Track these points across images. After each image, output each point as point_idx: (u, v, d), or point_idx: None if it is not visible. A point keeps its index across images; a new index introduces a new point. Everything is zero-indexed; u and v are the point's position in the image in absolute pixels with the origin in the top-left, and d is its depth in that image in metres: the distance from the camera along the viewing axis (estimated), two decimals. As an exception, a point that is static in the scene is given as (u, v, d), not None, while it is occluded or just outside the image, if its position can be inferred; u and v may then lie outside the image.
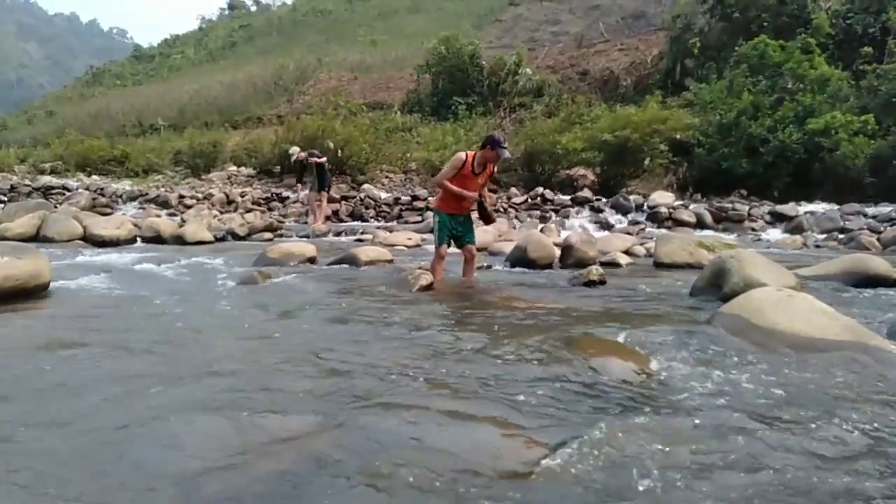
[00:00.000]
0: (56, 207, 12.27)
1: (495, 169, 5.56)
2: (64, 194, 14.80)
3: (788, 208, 12.44)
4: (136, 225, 9.43)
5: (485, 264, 6.53)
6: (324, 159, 12.11)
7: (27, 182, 16.19)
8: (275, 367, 2.74)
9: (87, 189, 15.30)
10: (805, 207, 12.67)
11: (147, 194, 15.33)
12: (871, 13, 18.38)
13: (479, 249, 6.54)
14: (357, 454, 1.85)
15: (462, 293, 4.95)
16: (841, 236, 10.22)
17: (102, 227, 8.78)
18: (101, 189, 15.55)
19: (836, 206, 12.57)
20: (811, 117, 14.85)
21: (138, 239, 8.99)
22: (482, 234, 9.10)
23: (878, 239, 9.38)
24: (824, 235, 10.58)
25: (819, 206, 12.78)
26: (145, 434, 2.02)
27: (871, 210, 12.11)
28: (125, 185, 16.80)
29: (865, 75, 16.41)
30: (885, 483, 1.71)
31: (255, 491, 1.67)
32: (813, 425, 2.09)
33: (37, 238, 8.40)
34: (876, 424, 2.11)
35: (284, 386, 2.47)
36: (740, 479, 1.72)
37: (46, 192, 15.03)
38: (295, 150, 12.58)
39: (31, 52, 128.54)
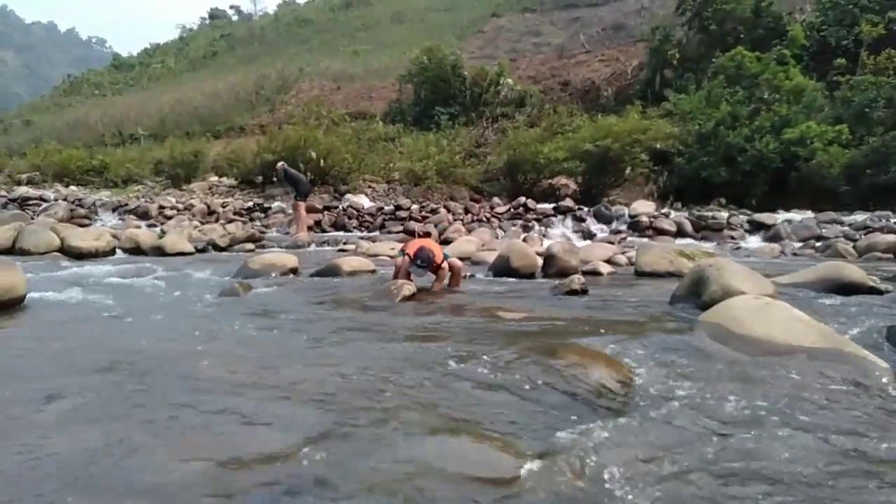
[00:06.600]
0: (33, 219, 12.08)
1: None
2: (41, 205, 14.59)
3: (766, 217, 12.64)
4: (115, 236, 9.30)
5: (468, 273, 6.54)
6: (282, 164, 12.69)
7: (3, 193, 15.93)
8: (256, 381, 2.72)
9: (64, 200, 15.10)
10: (783, 216, 12.87)
11: (127, 205, 15.16)
12: (845, 26, 18.83)
13: (462, 259, 6.56)
14: (340, 468, 1.83)
15: (445, 303, 4.95)
16: (818, 244, 10.39)
17: (80, 238, 8.64)
18: (80, 200, 15.35)
19: (812, 215, 12.79)
20: (787, 127, 15.15)
21: (117, 250, 8.87)
22: (465, 243, 9.15)
23: (854, 246, 9.56)
24: (801, 243, 10.76)
25: (796, 215, 12.99)
26: (121, 452, 1.99)
27: (846, 218, 12.35)
28: (104, 196, 16.59)
29: (839, 86, 16.78)
30: (861, 489, 1.74)
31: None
32: (790, 432, 2.11)
33: (12, 250, 8.24)
34: (851, 431, 2.14)
35: (266, 401, 2.45)
36: (718, 488, 1.73)
37: (23, 203, 14.79)
38: (281, 165, 13.09)
39: (7, 61, 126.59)
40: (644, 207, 13.56)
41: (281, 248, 10.12)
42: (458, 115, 21.72)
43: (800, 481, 1.77)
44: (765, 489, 1.73)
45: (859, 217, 12.29)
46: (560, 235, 12.14)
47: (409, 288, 4.96)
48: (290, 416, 2.27)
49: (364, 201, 15.26)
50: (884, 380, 2.67)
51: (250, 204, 15.41)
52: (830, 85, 17.30)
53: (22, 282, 4.49)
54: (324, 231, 13.55)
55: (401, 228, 12.95)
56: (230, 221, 13.64)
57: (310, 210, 13.38)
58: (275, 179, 13.29)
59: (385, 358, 3.07)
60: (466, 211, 14.17)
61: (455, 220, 13.33)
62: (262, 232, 12.28)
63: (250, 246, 10.21)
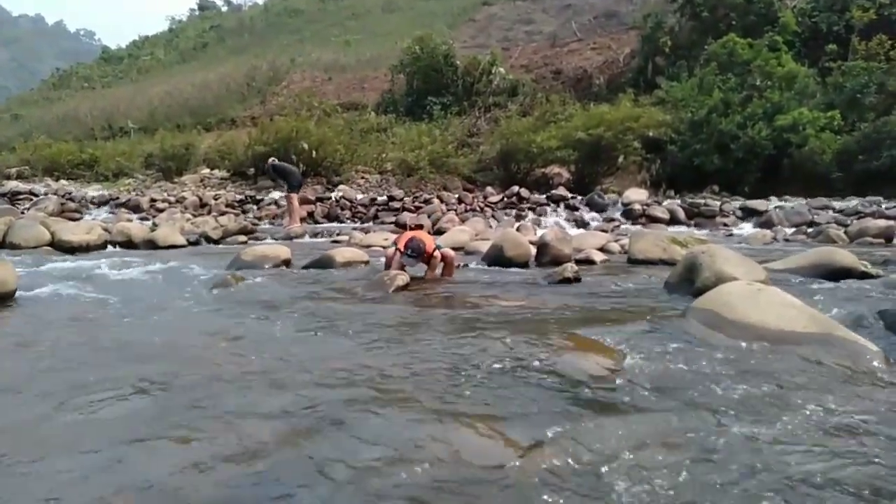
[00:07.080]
0: (23, 213, 11.99)
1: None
2: (31, 200, 14.50)
3: (759, 203, 12.68)
4: (106, 230, 9.24)
5: (462, 263, 6.53)
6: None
7: (-8, 188, 15.80)
8: (250, 371, 2.71)
9: (55, 194, 15.01)
10: (775, 202, 12.91)
11: (118, 198, 15.09)
12: (836, 11, 18.81)
13: (455, 249, 6.56)
14: (337, 456, 1.83)
15: (438, 293, 4.95)
16: (809, 230, 10.45)
17: (71, 232, 8.58)
18: (70, 194, 15.26)
19: (804, 201, 12.85)
20: (779, 114, 15.16)
21: (109, 244, 8.82)
22: (459, 233, 9.14)
23: (846, 232, 9.62)
24: (794, 229, 10.80)
25: (788, 201, 13.04)
26: (116, 443, 1.98)
27: (838, 204, 12.41)
28: (95, 190, 16.48)
29: (831, 72, 16.79)
30: (857, 472, 1.75)
31: (238, 495, 1.65)
32: (782, 417, 2.12)
33: (2, 245, 8.18)
34: (842, 414, 2.15)
35: (260, 391, 2.44)
36: (710, 474, 1.74)
37: (12, 197, 14.71)
38: (270, 161, 13.24)
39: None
40: (637, 195, 13.58)
41: (274, 239, 10.09)
42: (451, 105, 21.62)
43: (790, 465, 1.78)
44: (755, 474, 1.74)
45: (851, 202, 12.36)
46: (553, 224, 12.14)
47: (402, 278, 4.95)
48: (283, 406, 2.26)
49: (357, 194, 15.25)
50: (874, 363, 2.69)
51: (242, 196, 15.35)
52: (822, 71, 17.30)
53: (12, 276, 4.46)
54: (317, 222, 13.52)
55: (394, 219, 12.93)
56: (222, 214, 13.59)
57: (302, 201, 13.35)
58: (264, 173, 13.49)
59: (377, 347, 3.07)
60: (460, 201, 14.16)
61: (448, 210, 13.31)
62: (254, 224, 12.25)
63: (243, 238, 10.17)
